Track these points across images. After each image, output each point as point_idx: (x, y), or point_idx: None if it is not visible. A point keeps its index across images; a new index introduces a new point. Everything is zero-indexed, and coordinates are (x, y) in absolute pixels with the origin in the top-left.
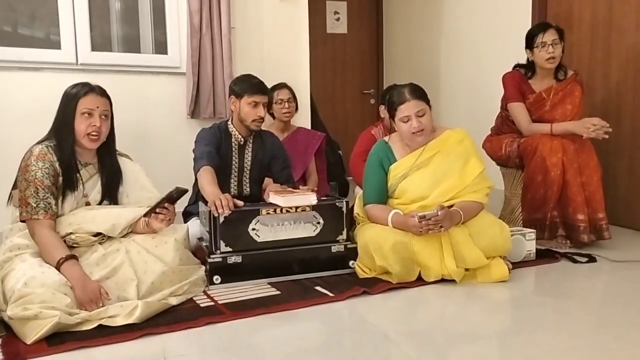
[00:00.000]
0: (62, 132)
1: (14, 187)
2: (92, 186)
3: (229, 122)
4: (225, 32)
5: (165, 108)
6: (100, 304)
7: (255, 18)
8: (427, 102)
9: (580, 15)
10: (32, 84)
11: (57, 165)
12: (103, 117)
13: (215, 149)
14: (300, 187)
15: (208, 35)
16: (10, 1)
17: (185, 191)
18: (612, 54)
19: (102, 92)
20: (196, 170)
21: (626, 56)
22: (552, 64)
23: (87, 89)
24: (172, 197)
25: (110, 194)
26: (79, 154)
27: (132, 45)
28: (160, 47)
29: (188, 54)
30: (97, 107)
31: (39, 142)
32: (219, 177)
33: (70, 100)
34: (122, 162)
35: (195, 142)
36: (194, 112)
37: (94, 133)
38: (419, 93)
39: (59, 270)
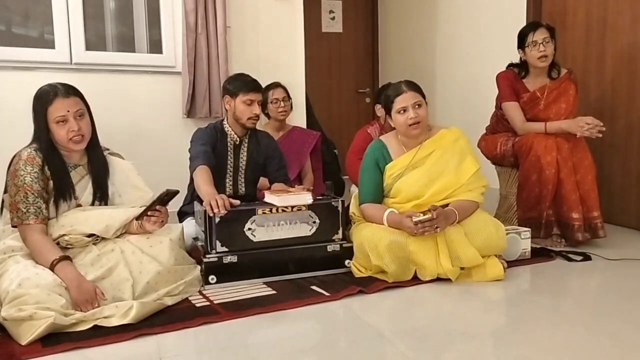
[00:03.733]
0: (43, 142)
1: (5, 190)
2: (84, 187)
3: (224, 122)
4: (221, 32)
5: (160, 108)
6: (96, 304)
7: (251, 17)
8: (423, 96)
9: (575, 14)
10: (26, 83)
11: (46, 168)
12: (78, 117)
13: (211, 149)
14: (296, 186)
15: (203, 35)
16: (4, 0)
17: (176, 192)
18: (607, 52)
19: (67, 92)
20: (192, 169)
21: (620, 55)
22: (544, 62)
23: (51, 94)
24: (163, 199)
25: (101, 191)
26: (66, 157)
27: (126, 44)
28: (155, 46)
29: (183, 53)
30: (68, 111)
31: (27, 146)
32: (214, 177)
33: (39, 110)
34: (113, 161)
35: (191, 141)
36: (189, 112)
37: (76, 137)
38: (416, 86)
39: (53, 272)
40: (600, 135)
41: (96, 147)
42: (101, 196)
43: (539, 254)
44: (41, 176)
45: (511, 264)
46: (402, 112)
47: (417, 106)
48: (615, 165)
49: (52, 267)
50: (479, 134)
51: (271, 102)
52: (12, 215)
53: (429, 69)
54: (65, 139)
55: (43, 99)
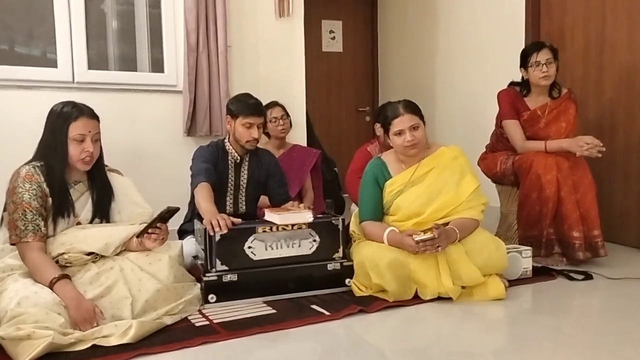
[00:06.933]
0: (52, 156)
1: (5, 208)
2: (83, 204)
3: (226, 140)
4: (222, 51)
5: (161, 126)
6: (95, 324)
7: (252, 37)
8: (421, 117)
9: (573, 34)
10: (29, 102)
11: (44, 186)
12: (94, 140)
13: (212, 166)
14: (296, 204)
15: (204, 54)
16: (8, 19)
17: (176, 210)
18: (605, 72)
19: (92, 114)
20: (193, 186)
21: (619, 74)
22: (546, 82)
23: (77, 112)
24: (164, 217)
25: (102, 212)
26: (68, 173)
27: (128, 63)
28: (157, 65)
29: (184, 72)
30: (89, 132)
31: (26, 163)
32: (215, 195)
33: (60, 124)
34: (112, 177)
35: (193, 159)
36: (190, 130)
37: (87, 157)
38: (413, 108)
39: (52, 290)
40: (600, 155)
41: (101, 169)
42: (101, 215)
43: (540, 273)
44: (40, 193)
45: (512, 283)
46: (399, 134)
47: (414, 129)
48: (615, 183)
49: (51, 286)
50: (479, 152)
51: (270, 122)
52: (11, 232)
53: (428, 88)
54: (76, 158)
55: (67, 115)
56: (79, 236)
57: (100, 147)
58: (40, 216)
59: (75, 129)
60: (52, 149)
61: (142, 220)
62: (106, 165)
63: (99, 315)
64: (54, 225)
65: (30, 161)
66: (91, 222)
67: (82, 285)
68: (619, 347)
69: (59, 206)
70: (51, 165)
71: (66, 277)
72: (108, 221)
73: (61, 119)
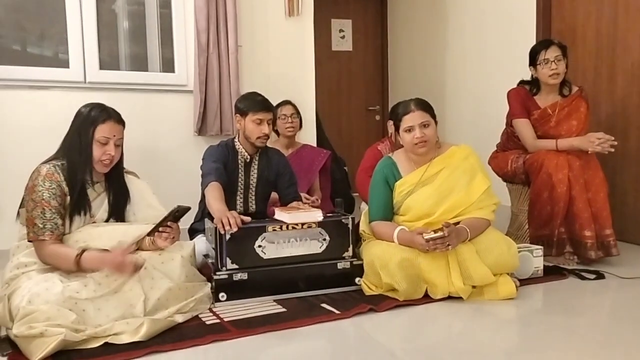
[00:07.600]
0: (76, 156)
1: (22, 205)
2: (99, 204)
3: (236, 140)
4: (232, 50)
5: (172, 125)
6: (135, 267)
7: (262, 36)
8: (433, 115)
9: (584, 32)
10: (41, 102)
11: (64, 185)
12: (117, 145)
13: (222, 166)
14: (305, 199)
15: (215, 54)
16: (20, 20)
17: (187, 209)
18: (617, 69)
19: (119, 119)
20: (204, 186)
21: (631, 72)
22: (555, 80)
23: (105, 115)
24: (175, 216)
25: (117, 213)
26: (88, 173)
27: (139, 63)
28: (168, 65)
29: (195, 72)
30: (114, 136)
31: (47, 161)
32: (225, 194)
33: (87, 125)
34: (129, 180)
35: (203, 159)
36: (200, 129)
37: (107, 160)
38: (425, 105)
39: (79, 266)
40: (613, 150)
41: (120, 174)
42: (117, 216)
43: (551, 272)
44: (59, 192)
45: (523, 282)
46: (408, 131)
47: (424, 126)
48: (627, 182)
49: (77, 262)
50: (490, 151)
51: (279, 119)
52: (29, 230)
53: (439, 87)
54: (97, 159)
55: (95, 117)
56: (93, 234)
57: (122, 151)
58: (59, 215)
59: (101, 131)
60: (76, 149)
61: (155, 222)
62: (123, 168)
63: (132, 260)
64: (70, 223)
65: (52, 159)
66: (106, 222)
67: (95, 282)
68: (631, 347)
69: (76, 204)
70: (73, 165)
71: (86, 249)
72: (123, 222)
73: (89, 120)
